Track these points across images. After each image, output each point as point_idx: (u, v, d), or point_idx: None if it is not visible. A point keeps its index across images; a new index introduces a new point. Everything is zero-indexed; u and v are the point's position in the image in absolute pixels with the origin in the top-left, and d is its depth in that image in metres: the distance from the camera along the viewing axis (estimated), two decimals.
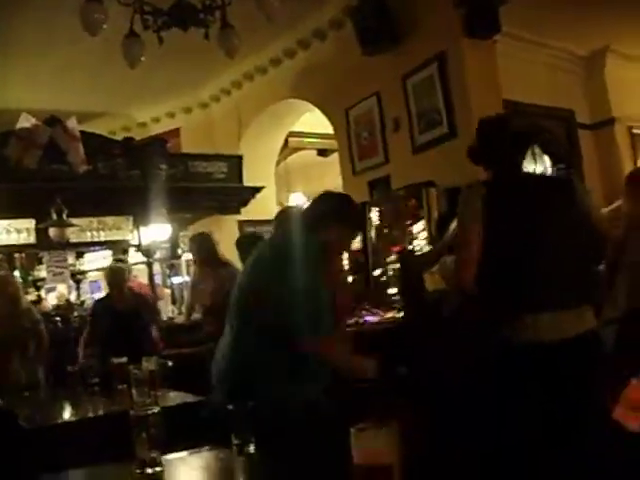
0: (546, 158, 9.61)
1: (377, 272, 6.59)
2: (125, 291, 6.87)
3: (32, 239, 8.38)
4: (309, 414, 2.96)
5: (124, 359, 4.81)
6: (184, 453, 2.82)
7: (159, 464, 2.38)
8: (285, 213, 5.31)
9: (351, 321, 6.09)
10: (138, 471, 2.34)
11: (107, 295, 7.04)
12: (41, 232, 8.20)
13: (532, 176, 3.76)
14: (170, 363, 5.40)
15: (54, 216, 7.86)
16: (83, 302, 9.53)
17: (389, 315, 6.06)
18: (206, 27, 5.08)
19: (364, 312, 6.25)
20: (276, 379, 3.02)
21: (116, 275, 6.93)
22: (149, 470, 2.36)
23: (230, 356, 3.19)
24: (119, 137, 9.81)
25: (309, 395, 3.04)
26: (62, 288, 9.86)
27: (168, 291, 10.57)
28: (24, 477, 2.87)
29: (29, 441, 3.58)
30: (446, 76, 6.64)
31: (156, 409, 2.44)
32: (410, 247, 6.10)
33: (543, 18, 7.53)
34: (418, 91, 6.96)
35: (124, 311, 6.64)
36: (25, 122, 7.91)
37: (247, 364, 3.08)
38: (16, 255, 9.22)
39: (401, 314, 5.74)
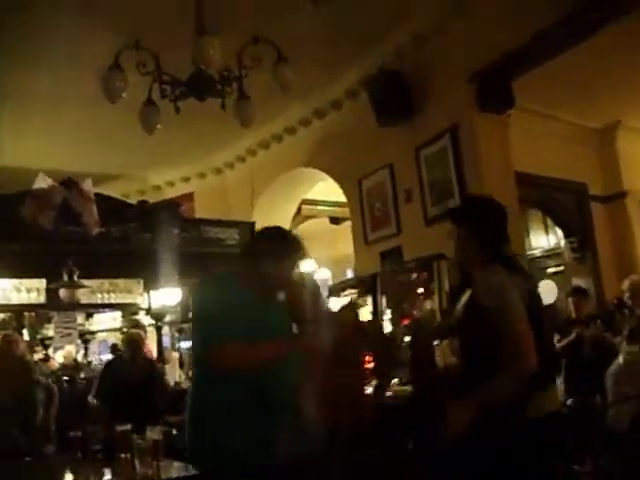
0: (558, 230, 9.63)
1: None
2: (140, 358, 6.89)
3: (42, 299, 8.36)
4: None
5: (128, 426, 4.76)
6: None
7: None
8: None
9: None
10: None
11: (119, 358, 7.06)
12: (51, 292, 8.19)
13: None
14: (175, 431, 5.33)
15: (65, 277, 7.86)
16: (90, 362, 9.48)
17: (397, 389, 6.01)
18: (223, 97, 5.14)
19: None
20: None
21: (135, 343, 6.97)
22: None
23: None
24: (133, 200, 9.86)
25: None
26: (70, 347, 9.81)
27: (176, 354, 10.50)
28: None
29: None
30: (459, 148, 6.69)
31: None
32: (420, 320, 6.05)
33: (555, 92, 7.64)
34: (431, 163, 7.01)
35: (136, 378, 6.64)
36: (42, 182, 7.97)
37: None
38: (25, 314, 9.20)
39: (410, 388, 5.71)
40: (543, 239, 10.17)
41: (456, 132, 6.72)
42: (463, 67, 6.63)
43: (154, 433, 4.45)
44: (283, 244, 3.33)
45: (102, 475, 4.40)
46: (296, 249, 3.35)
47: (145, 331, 8.69)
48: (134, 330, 7.83)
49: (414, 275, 6.45)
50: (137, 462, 4.24)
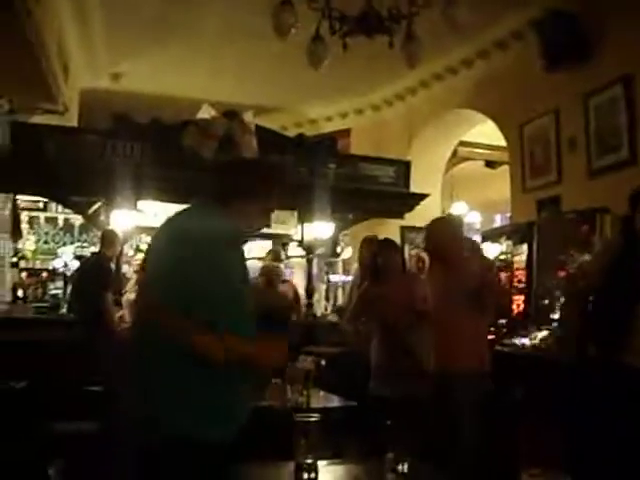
0: None
1: (539, 295, 6.41)
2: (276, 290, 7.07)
3: None
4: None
5: None
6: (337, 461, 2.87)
7: (315, 470, 2.42)
8: None
9: (508, 342, 6.01)
10: (294, 475, 2.40)
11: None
12: None
13: None
14: (323, 362, 5.46)
15: None
16: None
17: (544, 340, 5.91)
18: (391, 36, 5.10)
19: (521, 334, 6.13)
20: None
21: (267, 275, 7.13)
22: (305, 476, 2.41)
23: None
24: (290, 132, 10.02)
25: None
26: None
27: (324, 287, 10.73)
28: None
29: None
30: (632, 99, 6.36)
31: (317, 416, 2.46)
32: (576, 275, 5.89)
33: None
34: (600, 112, 6.72)
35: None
36: (205, 113, 8.20)
37: None
38: None
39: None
40: None
41: (630, 81, 6.38)
42: None
43: (307, 363, 4.61)
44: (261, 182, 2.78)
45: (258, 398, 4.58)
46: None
47: (282, 264, 8.87)
48: (271, 263, 8.00)
49: (573, 227, 6.25)
50: (289, 389, 4.41)
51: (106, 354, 6.13)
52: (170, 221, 2.78)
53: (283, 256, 9.43)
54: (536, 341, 5.88)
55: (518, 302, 6.72)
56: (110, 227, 7.59)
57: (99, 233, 8.18)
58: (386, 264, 4.86)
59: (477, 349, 4.36)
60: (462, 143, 10.63)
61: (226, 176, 2.77)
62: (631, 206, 3.83)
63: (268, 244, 9.98)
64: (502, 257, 7.22)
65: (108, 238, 7.28)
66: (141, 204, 8.06)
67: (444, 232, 4.55)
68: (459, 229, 4.68)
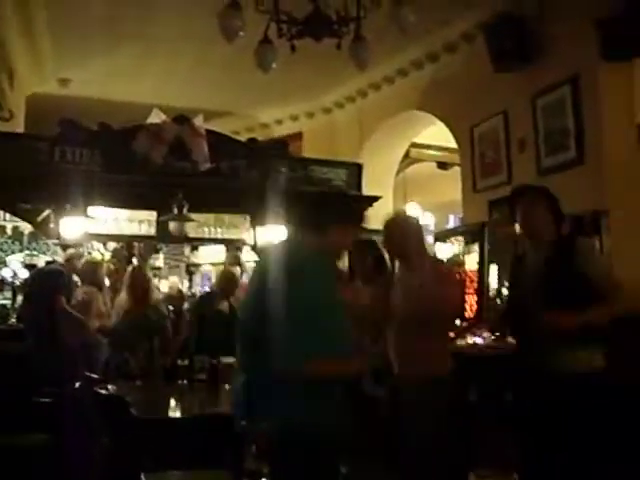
0: None
1: (492, 294, 6.47)
2: (230, 296, 6.98)
3: (153, 231, 8.58)
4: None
5: (231, 359, 4.88)
6: None
7: (264, 476, 2.39)
8: None
9: (462, 342, 6.04)
10: None
11: (214, 294, 7.15)
12: (161, 225, 8.41)
13: None
14: None
15: (175, 210, 8.05)
16: (194, 294, 9.71)
17: (497, 340, 5.96)
18: (339, 38, 5.09)
19: (475, 333, 6.18)
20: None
21: (227, 280, 7.06)
22: None
23: None
24: (242, 136, 9.99)
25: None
26: (175, 278, 10.09)
27: None
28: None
29: (138, 429, 3.68)
30: (579, 99, 6.44)
31: (266, 423, 2.43)
32: None
33: None
34: (548, 112, 6.80)
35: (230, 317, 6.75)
36: (155, 117, 8.14)
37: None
38: (135, 244, 9.48)
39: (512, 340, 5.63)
40: None
41: (577, 81, 6.47)
42: (588, 13, 6.32)
43: None
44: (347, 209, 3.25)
45: (207, 403, 4.54)
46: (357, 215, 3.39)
47: (243, 269, 8.84)
48: (229, 268, 7.95)
49: None
50: None
51: (56, 364, 6.05)
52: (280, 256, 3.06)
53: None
54: (488, 340, 5.93)
55: (470, 302, 6.77)
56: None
57: (49, 242, 8.09)
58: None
59: (436, 352, 4.32)
60: (414, 145, 10.68)
61: (321, 206, 3.13)
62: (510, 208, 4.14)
63: (221, 249, 9.93)
64: (454, 258, 7.27)
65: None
66: (92, 211, 7.96)
67: (405, 229, 4.50)
68: (419, 226, 4.61)
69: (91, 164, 7.74)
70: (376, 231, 8.93)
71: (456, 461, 3.78)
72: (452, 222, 12.75)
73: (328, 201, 3.24)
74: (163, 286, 10.01)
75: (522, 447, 3.82)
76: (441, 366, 4.19)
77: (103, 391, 4.54)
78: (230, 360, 4.81)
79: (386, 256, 5.12)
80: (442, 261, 5.51)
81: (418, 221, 4.66)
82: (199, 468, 2.98)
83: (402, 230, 4.40)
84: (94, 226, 8.10)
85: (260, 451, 2.55)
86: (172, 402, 4.94)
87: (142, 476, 2.42)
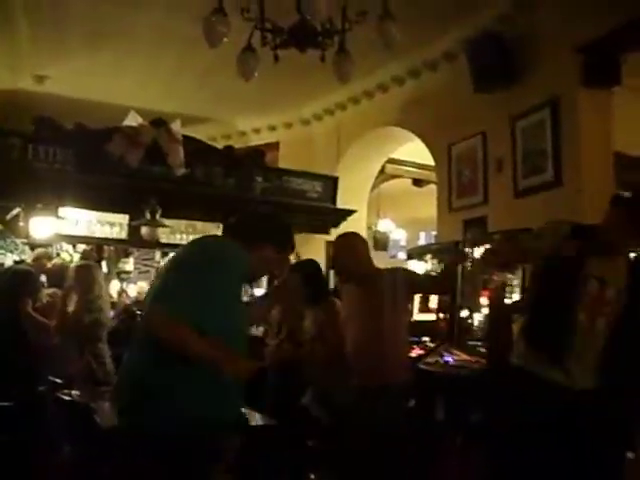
0: None
1: (464, 314, 6.45)
2: None
3: (124, 234, 8.52)
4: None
5: None
6: None
7: None
8: None
9: (431, 360, 6.02)
10: None
11: None
12: (133, 229, 8.33)
13: None
14: None
15: (148, 215, 7.98)
16: None
17: (468, 358, 5.96)
18: (323, 50, 5.07)
19: (445, 352, 6.16)
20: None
21: None
22: None
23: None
24: (219, 144, 9.93)
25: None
26: (143, 283, 9.99)
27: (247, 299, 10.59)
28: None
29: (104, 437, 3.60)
30: (558, 122, 6.46)
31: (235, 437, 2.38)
32: (502, 293, 5.94)
33: None
34: (527, 134, 6.81)
35: None
36: (132, 120, 8.06)
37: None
38: (105, 247, 9.38)
39: (483, 360, 5.63)
40: None
41: (557, 105, 6.49)
42: (570, 38, 6.35)
43: None
44: (285, 235, 3.25)
45: None
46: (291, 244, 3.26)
47: None
48: None
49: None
50: None
51: (22, 365, 5.93)
52: (196, 240, 3.23)
53: None
54: (460, 359, 5.92)
55: (442, 321, 6.76)
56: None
57: (18, 241, 7.96)
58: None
59: (393, 363, 4.32)
60: (390, 160, 10.67)
61: (254, 223, 3.18)
62: None
63: None
64: None
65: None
66: (63, 211, 7.85)
67: (349, 248, 4.51)
68: (363, 244, 4.62)
69: (65, 164, 7.63)
70: None
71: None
72: (423, 239, 12.78)
73: (269, 221, 3.26)
74: (132, 291, 9.92)
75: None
76: (396, 375, 4.23)
77: (66, 397, 4.44)
78: None
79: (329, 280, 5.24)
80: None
81: (364, 240, 4.72)
82: None
83: (350, 248, 4.44)
84: (64, 227, 7.99)
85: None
86: None
87: None
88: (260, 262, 3.10)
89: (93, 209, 8.25)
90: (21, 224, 7.77)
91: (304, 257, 8.41)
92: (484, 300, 6.17)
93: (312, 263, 5.36)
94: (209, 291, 2.74)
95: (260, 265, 3.14)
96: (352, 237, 4.70)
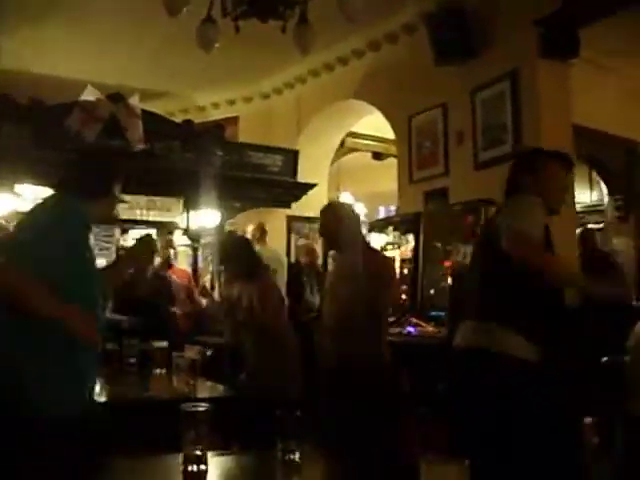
0: (603, 187, 9.47)
1: (426, 285, 6.51)
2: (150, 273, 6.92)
3: None
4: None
5: (164, 343, 4.81)
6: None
7: (205, 461, 2.33)
8: None
9: (394, 330, 6.06)
10: (182, 467, 2.29)
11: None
12: None
13: None
14: (209, 352, 5.37)
15: None
16: None
17: (431, 329, 6.01)
18: (285, 21, 5.02)
19: (407, 323, 6.21)
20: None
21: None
22: (194, 468, 2.31)
23: None
24: (177, 118, 9.82)
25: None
26: (102, 260, 9.88)
27: (208, 277, 10.57)
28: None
29: None
30: (517, 94, 6.53)
31: (206, 406, 2.35)
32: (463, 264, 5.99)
33: (621, 44, 7.38)
34: (486, 107, 6.87)
35: (145, 292, 6.70)
36: (89, 95, 7.93)
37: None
38: None
39: (444, 330, 5.69)
40: (586, 194, 10.00)
41: (516, 77, 6.55)
42: (528, 10, 6.42)
43: (193, 352, 4.51)
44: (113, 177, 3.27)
45: (141, 388, 4.45)
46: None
47: (175, 252, 8.71)
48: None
49: (460, 218, 6.37)
50: (175, 379, 4.31)
51: None
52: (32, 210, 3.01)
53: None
54: (422, 330, 5.98)
55: (404, 292, 6.80)
56: None
57: None
58: None
59: (374, 340, 4.32)
60: (350, 134, 10.67)
61: (70, 172, 3.12)
62: None
63: (152, 231, 9.75)
64: (389, 247, 7.30)
65: None
66: (19, 188, 7.72)
67: (337, 216, 4.48)
68: (353, 214, 4.59)
69: (21, 139, 7.49)
70: (309, 219, 8.99)
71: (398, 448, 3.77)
72: (382, 213, 12.82)
73: (80, 167, 3.21)
74: None
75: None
76: (376, 353, 4.21)
77: None
78: (163, 344, 4.75)
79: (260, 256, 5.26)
80: (377, 249, 5.49)
81: (353, 209, 4.65)
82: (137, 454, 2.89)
83: (336, 217, 4.41)
84: (22, 204, 7.86)
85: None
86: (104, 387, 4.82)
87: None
88: (102, 210, 3.12)
89: (50, 186, 8.09)
90: None
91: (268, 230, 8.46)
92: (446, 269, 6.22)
93: (239, 238, 5.36)
94: (54, 264, 2.68)
95: (104, 211, 3.17)
96: (337, 205, 4.76)
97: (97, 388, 3.13)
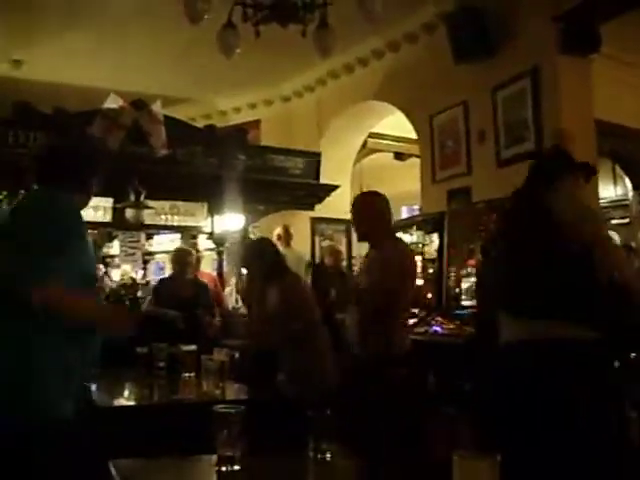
0: (627, 182, 9.41)
1: (451, 283, 6.51)
2: (188, 275, 7.03)
3: (108, 218, 8.47)
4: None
5: (193, 347, 4.84)
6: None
7: (238, 462, 2.35)
8: None
9: (420, 330, 6.07)
10: (217, 468, 2.32)
11: (170, 276, 7.24)
12: (117, 212, 8.31)
13: None
14: (237, 355, 5.39)
15: (132, 197, 7.96)
16: (148, 282, 9.59)
17: (455, 327, 6.01)
18: (305, 25, 5.05)
19: (433, 322, 6.22)
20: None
21: (183, 259, 7.09)
22: (229, 468, 2.34)
23: None
24: (199, 124, 9.89)
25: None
26: (126, 266, 9.96)
27: (234, 280, 10.63)
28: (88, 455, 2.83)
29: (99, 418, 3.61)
30: (539, 91, 6.51)
31: (240, 408, 2.39)
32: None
33: None
34: (508, 104, 6.85)
35: (185, 294, 6.81)
36: (112, 103, 8.01)
37: None
38: (89, 231, 9.32)
39: (471, 329, 5.69)
40: (610, 189, 9.95)
41: (537, 74, 6.53)
42: (547, 6, 6.41)
43: (221, 355, 4.54)
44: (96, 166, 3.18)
45: (168, 392, 4.48)
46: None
47: (199, 255, 8.78)
48: (181, 248, 7.95)
49: (483, 217, 6.36)
50: (204, 382, 4.34)
51: None
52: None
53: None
54: (448, 329, 5.97)
55: (429, 291, 6.81)
56: None
57: None
58: None
59: (403, 334, 4.31)
60: (371, 135, 10.67)
61: (44, 162, 3.03)
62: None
63: (176, 236, 9.83)
64: (413, 247, 7.29)
65: None
66: None
67: (371, 206, 4.42)
68: (386, 205, 4.51)
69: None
70: (333, 220, 9.01)
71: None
72: (405, 213, 12.79)
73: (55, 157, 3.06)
74: (115, 275, 9.90)
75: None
76: (398, 346, 4.19)
77: None
78: (192, 347, 4.78)
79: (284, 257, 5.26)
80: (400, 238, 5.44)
81: (387, 201, 4.52)
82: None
83: (368, 207, 4.38)
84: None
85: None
86: (133, 390, 4.87)
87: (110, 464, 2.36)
88: (86, 198, 3.06)
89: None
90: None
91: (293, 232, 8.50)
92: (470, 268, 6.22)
93: (262, 241, 5.37)
94: (52, 253, 2.60)
95: (88, 199, 3.08)
96: (369, 196, 4.62)
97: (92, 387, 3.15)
